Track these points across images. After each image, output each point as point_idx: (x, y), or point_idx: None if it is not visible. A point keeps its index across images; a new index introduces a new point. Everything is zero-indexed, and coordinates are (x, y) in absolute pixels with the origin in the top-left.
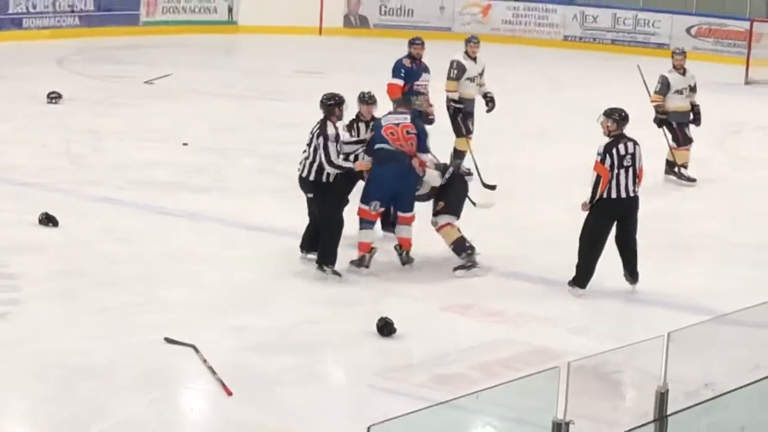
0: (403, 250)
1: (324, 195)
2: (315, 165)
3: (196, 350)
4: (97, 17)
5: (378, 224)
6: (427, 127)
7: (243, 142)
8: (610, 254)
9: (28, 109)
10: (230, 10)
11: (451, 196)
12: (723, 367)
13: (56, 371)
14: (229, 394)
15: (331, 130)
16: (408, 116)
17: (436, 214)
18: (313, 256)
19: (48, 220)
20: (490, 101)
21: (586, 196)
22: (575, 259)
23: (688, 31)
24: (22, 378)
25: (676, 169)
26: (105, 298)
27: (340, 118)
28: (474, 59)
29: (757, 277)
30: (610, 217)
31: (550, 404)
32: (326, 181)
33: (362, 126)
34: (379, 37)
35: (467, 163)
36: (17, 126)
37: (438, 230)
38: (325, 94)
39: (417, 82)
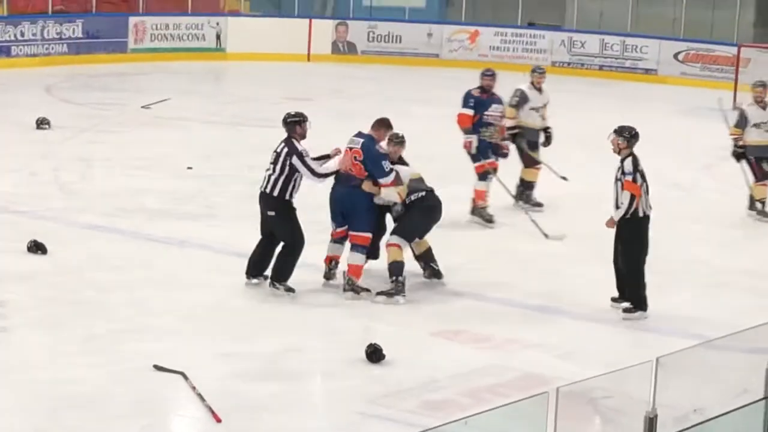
0: (347, 276)
1: (288, 212)
2: (280, 182)
3: (185, 377)
4: (86, 44)
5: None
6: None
7: (231, 168)
8: (598, 278)
9: (17, 136)
10: (218, 37)
11: (406, 219)
12: (712, 391)
13: (45, 400)
14: (219, 421)
15: (300, 146)
16: (362, 141)
17: (392, 232)
18: (257, 281)
19: (37, 247)
20: (548, 137)
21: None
22: (564, 285)
23: (675, 56)
24: (10, 407)
25: (757, 205)
26: (94, 325)
27: (303, 136)
28: (539, 90)
29: (746, 302)
30: (646, 235)
31: (539, 430)
32: (289, 198)
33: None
34: (367, 63)
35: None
36: (5, 153)
37: (385, 247)
38: (287, 113)
39: (486, 113)
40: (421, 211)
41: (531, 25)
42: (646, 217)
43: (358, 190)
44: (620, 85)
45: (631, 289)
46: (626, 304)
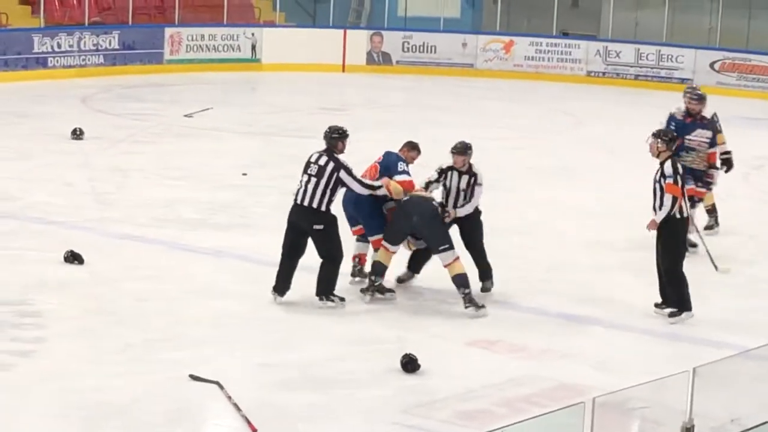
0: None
1: (334, 225)
2: (326, 196)
3: (221, 387)
4: (122, 56)
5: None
6: None
7: (266, 178)
8: (633, 287)
9: (53, 147)
10: (254, 47)
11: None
12: (749, 401)
13: (81, 409)
14: (254, 430)
15: (344, 159)
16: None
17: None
18: (283, 300)
19: (73, 257)
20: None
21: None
22: (598, 293)
23: (711, 66)
24: (47, 416)
25: None
26: (130, 335)
27: (342, 151)
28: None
29: None
30: (683, 236)
31: None
32: (328, 210)
33: (454, 175)
34: (402, 73)
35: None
36: (42, 164)
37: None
38: (330, 127)
39: (688, 137)
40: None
41: (566, 34)
42: (684, 219)
43: (361, 197)
44: (656, 95)
45: (673, 289)
46: (670, 309)
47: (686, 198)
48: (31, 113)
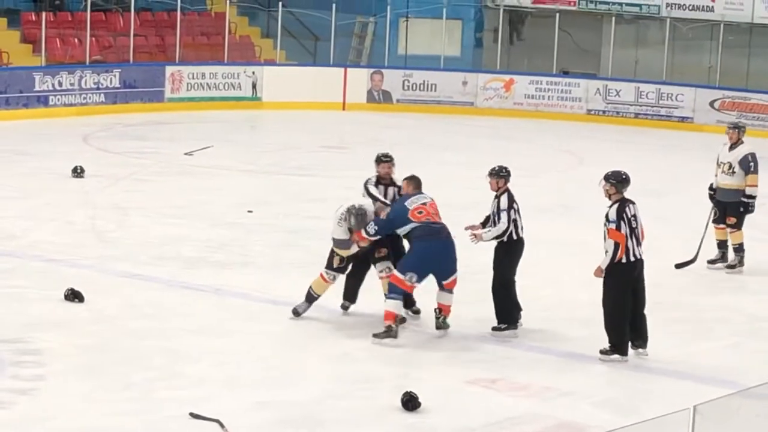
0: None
1: None
2: None
3: (221, 425)
4: (123, 94)
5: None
6: None
7: (267, 217)
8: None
9: (54, 185)
10: (254, 86)
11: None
12: None
13: None
14: None
15: None
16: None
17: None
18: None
19: (74, 295)
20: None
21: (598, 262)
22: (598, 332)
23: (711, 104)
24: None
25: None
26: (130, 373)
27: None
28: (729, 146)
29: None
30: (629, 282)
31: None
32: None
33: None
34: (403, 111)
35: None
36: (43, 202)
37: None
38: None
39: None
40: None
41: (566, 73)
42: (630, 264)
43: (451, 241)
44: (656, 133)
45: (610, 334)
46: (642, 350)
47: (635, 242)
48: (32, 151)
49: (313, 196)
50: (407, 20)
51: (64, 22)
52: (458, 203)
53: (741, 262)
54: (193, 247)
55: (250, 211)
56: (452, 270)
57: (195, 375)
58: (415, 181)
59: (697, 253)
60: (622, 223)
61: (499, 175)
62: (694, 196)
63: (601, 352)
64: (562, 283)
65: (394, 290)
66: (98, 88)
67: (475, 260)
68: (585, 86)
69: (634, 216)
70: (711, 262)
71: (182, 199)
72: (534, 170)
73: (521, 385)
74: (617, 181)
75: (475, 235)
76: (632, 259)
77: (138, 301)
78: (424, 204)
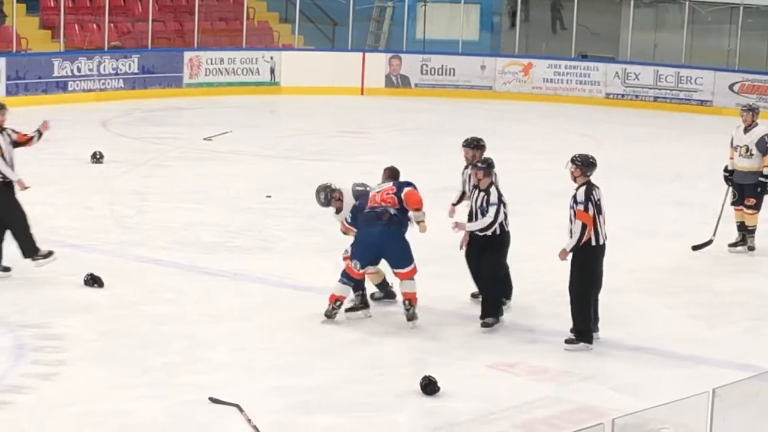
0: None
1: None
2: None
3: (241, 410)
4: (141, 80)
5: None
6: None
7: (286, 202)
8: (651, 309)
9: (73, 171)
10: (272, 71)
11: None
12: None
13: None
14: None
15: None
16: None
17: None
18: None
19: (93, 281)
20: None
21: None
22: (616, 316)
23: (731, 87)
24: None
25: None
26: (150, 358)
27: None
28: (744, 128)
29: None
30: (596, 265)
31: None
32: None
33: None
34: (421, 96)
35: None
36: (62, 188)
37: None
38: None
39: None
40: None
41: (584, 56)
42: (599, 247)
43: (392, 227)
44: (675, 117)
45: (576, 318)
46: (571, 335)
47: (600, 225)
48: (51, 137)
49: (332, 181)
50: (425, 4)
51: (82, 8)
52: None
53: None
54: (212, 233)
55: (268, 197)
56: (400, 257)
57: (214, 360)
58: (388, 171)
59: (714, 234)
60: (590, 204)
61: (474, 146)
62: (714, 180)
63: (567, 341)
64: None
65: (345, 275)
66: (117, 74)
67: None
68: (604, 70)
69: (599, 200)
70: (732, 245)
71: (201, 185)
72: (552, 154)
73: (540, 369)
74: (584, 164)
75: (457, 223)
76: (600, 242)
77: (157, 287)
78: (378, 192)
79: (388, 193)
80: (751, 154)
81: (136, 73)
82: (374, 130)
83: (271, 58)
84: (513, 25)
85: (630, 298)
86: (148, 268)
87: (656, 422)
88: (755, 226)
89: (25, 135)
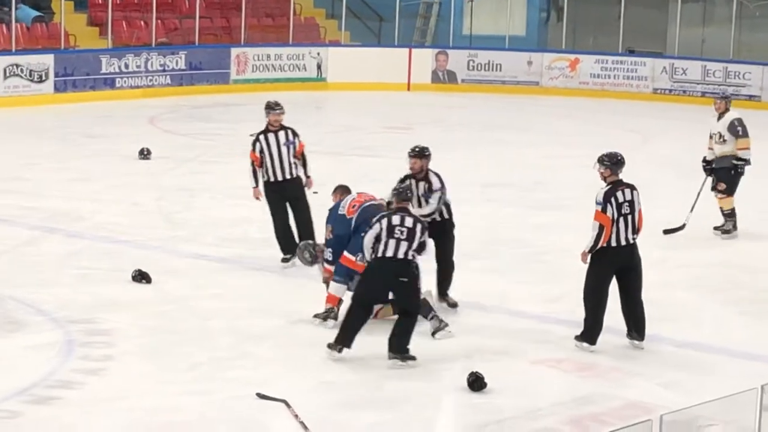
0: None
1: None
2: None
3: (288, 405)
4: (188, 76)
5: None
6: None
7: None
8: (699, 305)
9: (121, 167)
10: (319, 67)
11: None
12: None
13: (148, 428)
14: None
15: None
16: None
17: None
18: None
19: (141, 276)
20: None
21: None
22: (666, 311)
23: None
24: None
25: None
26: (197, 354)
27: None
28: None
29: None
30: (611, 267)
31: None
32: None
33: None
34: (467, 92)
35: None
36: (110, 185)
37: None
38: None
39: None
40: None
41: (632, 52)
42: (615, 249)
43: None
44: None
45: (586, 317)
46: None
47: (625, 227)
48: (98, 134)
49: (377, 177)
50: (472, 0)
51: (130, 5)
52: (522, 184)
53: (735, 227)
54: (259, 228)
55: (315, 192)
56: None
57: (261, 355)
58: (341, 188)
59: (687, 220)
60: (608, 206)
61: (423, 155)
62: (762, 174)
63: (576, 338)
64: None
65: (339, 273)
66: (164, 70)
67: (542, 240)
68: (651, 65)
69: (629, 201)
70: (726, 232)
71: (248, 181)
72: (599, 150)
73: (587, 365)
74: (612, 163)
75: None
76: (622, 243)
77: (205, 282)
78: (353, 198)
79: (364, 195)
80: (725, 140)
81: (183, 70)
82: (420, 126)
83: (318, 54)
84: (559, 20)
85: (679, 294)
86: (196, 263)
87: (704, 419)
88: (731, 209)
89: (302, 146)
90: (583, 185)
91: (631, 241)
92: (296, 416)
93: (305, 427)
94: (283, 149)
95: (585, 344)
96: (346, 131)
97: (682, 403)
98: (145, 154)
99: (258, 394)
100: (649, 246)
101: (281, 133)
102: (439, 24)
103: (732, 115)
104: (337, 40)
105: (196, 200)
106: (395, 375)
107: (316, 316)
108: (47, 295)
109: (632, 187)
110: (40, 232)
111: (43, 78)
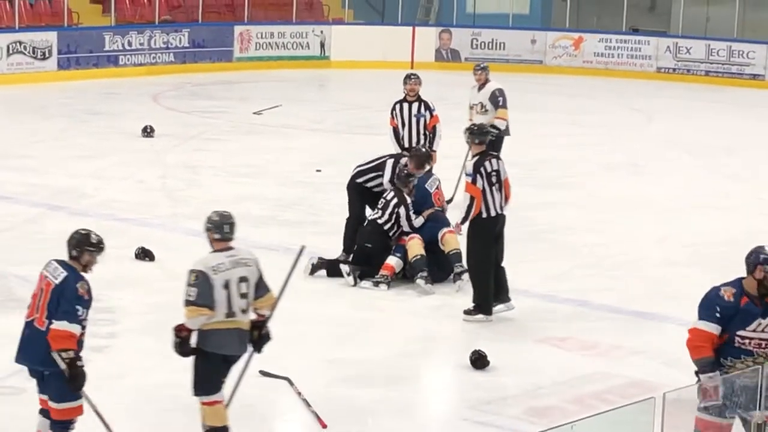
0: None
1: None
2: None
3: (291, 383)
4: (192, 54)
5: None
6: None
7: (335, 175)
8: (703, 282)
9: (125, 145)
10: (322, 45)
11: None
12: None
13: (152, 404)
14: (324, 426)
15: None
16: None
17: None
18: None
19: (144, 254)
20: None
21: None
22: (669, 289)
23: None
24: (119, 412)
25: None
26: None
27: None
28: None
29: None
30: (491, 236)
31: None
32: None
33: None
34: (471, 70)
35: None
36: (114, 162)
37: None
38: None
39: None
40: None
41: (635, 30)
42: (491, 219)
43: None
44: (727, 91)
45: (474, 291)
46: (471, 306)
47: (495, 197)
48: (102, 111)
49: (380, 155)
50: None
51: None
52: (526, 162)
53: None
54: (262, 206)
55: (318, 170)
56: None
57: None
58: (417, 158)
59: (455, 191)
60: (478, 177)
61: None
62: (766, 153)
63: (465, 312)
64: (633, 240)
65: (399, 250)
66: (167, 48)
67: (546, 218)
68: (655, 44)
69: (496, 171)
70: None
71: (251, 158)
72: (603, 128)
73: (591, 343)
74: (475, 134)
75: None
76: (493, 213)
77: None
78: (438, 188)
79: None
80: (486, 110)
81: (186, 47)
82: None
83: (321, 32)
84: None
85: (682, 272)
86: (199, 241)
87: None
88: None
89: (435, 119)
90: (587, 163)
91: (502, 212)
92: (299, 393)
93: (308, 404)
94: (413, 120)
95: (481, 316)
96: (349, 109)
97: (685, 381)
98: (148, 131)
99: (261, 371)
100: (651, 224)
101: (415, 105)
102: (442, 2)
103: (493, 85)
104: (341, 18)
105: (199, 178)
106: (397, 353)
107: (368, 279)
108: None
109: (498, 157)
110: (44, 209)
111: (47, 55)
